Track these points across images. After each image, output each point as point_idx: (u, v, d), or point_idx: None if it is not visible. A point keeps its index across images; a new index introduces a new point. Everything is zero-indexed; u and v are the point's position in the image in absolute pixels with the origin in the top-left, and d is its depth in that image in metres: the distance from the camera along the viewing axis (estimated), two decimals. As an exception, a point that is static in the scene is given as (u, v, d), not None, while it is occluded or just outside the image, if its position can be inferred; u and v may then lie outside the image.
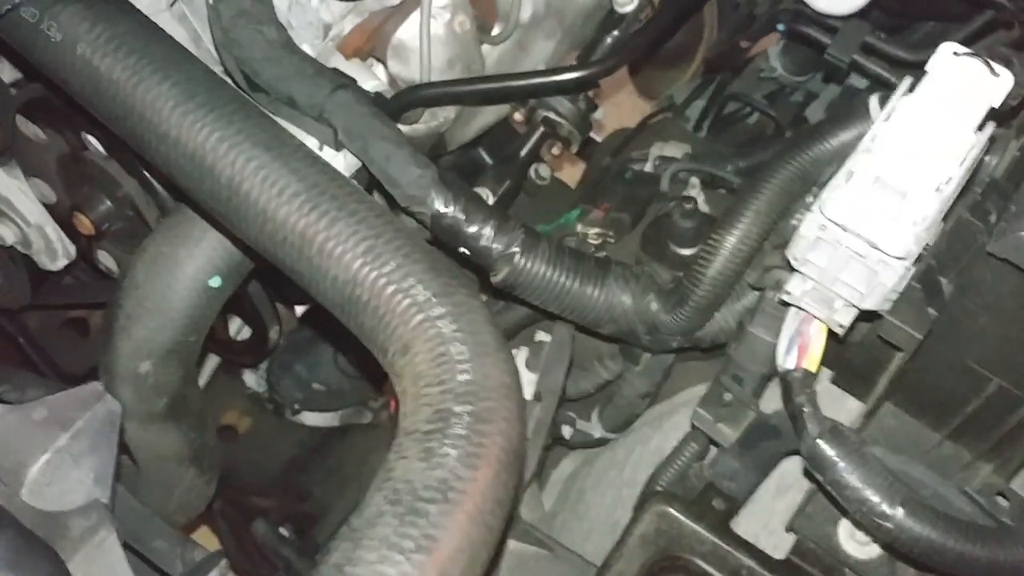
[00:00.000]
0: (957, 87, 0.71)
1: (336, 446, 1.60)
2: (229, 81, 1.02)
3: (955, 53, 0.73)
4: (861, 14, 1.16)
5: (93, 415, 0.71)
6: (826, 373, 0.99)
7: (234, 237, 0.95)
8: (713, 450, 0.99)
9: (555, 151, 1.43)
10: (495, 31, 1.32)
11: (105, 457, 0.72)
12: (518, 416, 0.66)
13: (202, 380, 1.59)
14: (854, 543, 0.90)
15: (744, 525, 0.98)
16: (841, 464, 0.76)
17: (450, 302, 0.68)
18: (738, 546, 0.91)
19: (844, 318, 0.77)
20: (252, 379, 1.72)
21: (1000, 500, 0.87)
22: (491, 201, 1.32)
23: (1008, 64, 0.74)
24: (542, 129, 1.38)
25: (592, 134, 1.75)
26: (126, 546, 0.76)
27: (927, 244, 0.76)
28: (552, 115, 1.36)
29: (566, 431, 1.23)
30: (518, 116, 1.40)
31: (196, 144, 0.74)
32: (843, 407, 0.97)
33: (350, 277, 0.70)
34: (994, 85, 0.71)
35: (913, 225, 0.69)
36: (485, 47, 1.33)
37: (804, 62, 1.54)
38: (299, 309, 1.60)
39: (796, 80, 1.56)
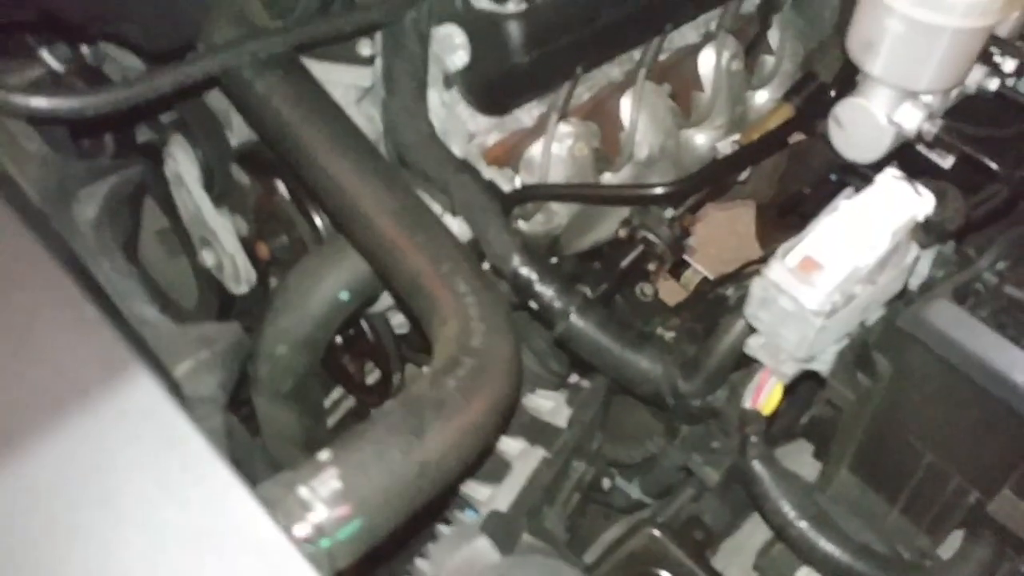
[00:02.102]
0: (887, 199, 0.93)
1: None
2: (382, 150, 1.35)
3: (894, 175, 0.96)
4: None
5: (229, 342, 1.01)
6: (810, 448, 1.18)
7: (365, 265, 1.27)
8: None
9: (651, 267, 1.69)
10: (615, 163, 1.61)
11: (230, 373, 1.01)
12: (510, 381, 0.91)
13: (336, 417, 1.90)
14: (809, 587, 1.07)
15: (723, 558, 1.15)
16: (766, 480, 0.95)
17: (481, 296, 0.95)
18: (707, 572, 1.10)
19: (788, 369, 0.98)
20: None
21: (926, 562, 1.03)
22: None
23: (941, 195, 0.96)
24: (641, 247, 1.65)
25: (705, 272, 2.01)
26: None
27: (865, 323, 0.97)
28: (650, 235, 1.63)
29: (606, 483, 1.44)
30: (622, 233, 1.68)
31: (336, 172, 1.06)
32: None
33: (417, 271, 0.98)
34: (917, 204, 0.93)
35: (828, 290, 0.90)
36: (606, 176, 1.62)
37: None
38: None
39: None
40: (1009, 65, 1.15)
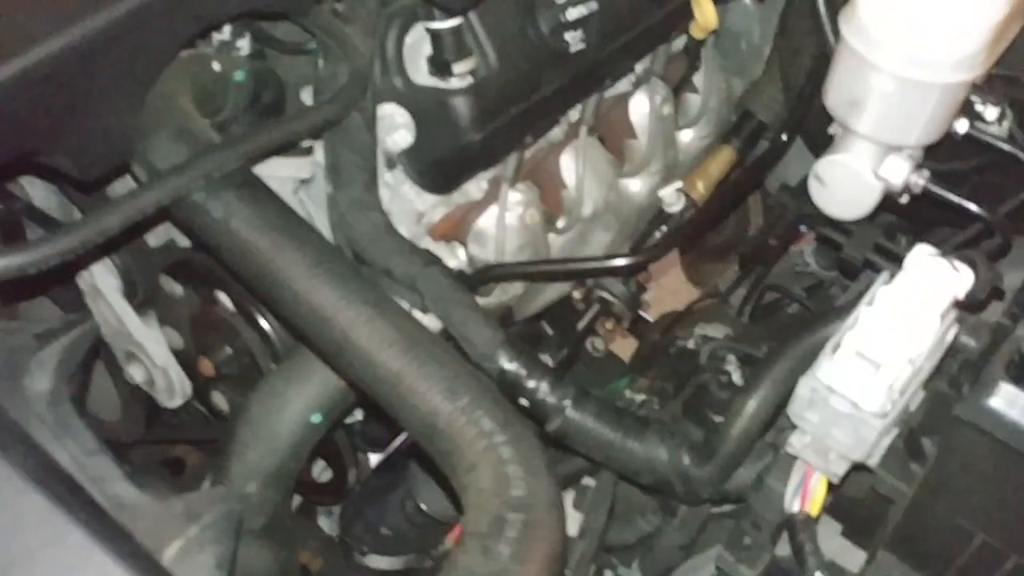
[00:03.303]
0: (926, 281, 0.89)
1: (398, 588, 1.73)
2: (341, 254, 1.23)
3: (927, 254, 0.91)
4: (878, 217, 1.36)
5: (219, 511, 0.88)
6: (837, 527, 1.13)
7: (335, 382, 1.15)
8: (735, 590, 1.12)
9: (608, 326, 1.62)
10: (560, 224, 1.53)
11: (225, 547, 0.88)
12: (560, 526, 0.82)
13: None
14: None
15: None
16: (835, 594, 0.90)
17: (510, 432, 0.86)
18: None
19: (838, 468, 0.92)
20: (326, 523, 1.88)
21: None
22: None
23: (972, 265, 0.92)
24: (597, 307, 1.58)
25: (645, 315, 1.95)
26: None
27: (908, 409, 0.92)
28: (606, 295, 1.56)
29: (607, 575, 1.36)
30: (577, 294, 1.60)
31: (319, 301, 0.94)
32: (852, 558, 1.10)
33: (431, 409, 0.88)
34: (956, 280, 0.89)
35: (888, 389, 0.85)
36: (551, 236, 1.54)
37: (835, 259, 1.73)
38: (373, 459, 1.78)
39: (829, 275, 1.75)
40: (991, 113, 1.13)
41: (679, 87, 1.71)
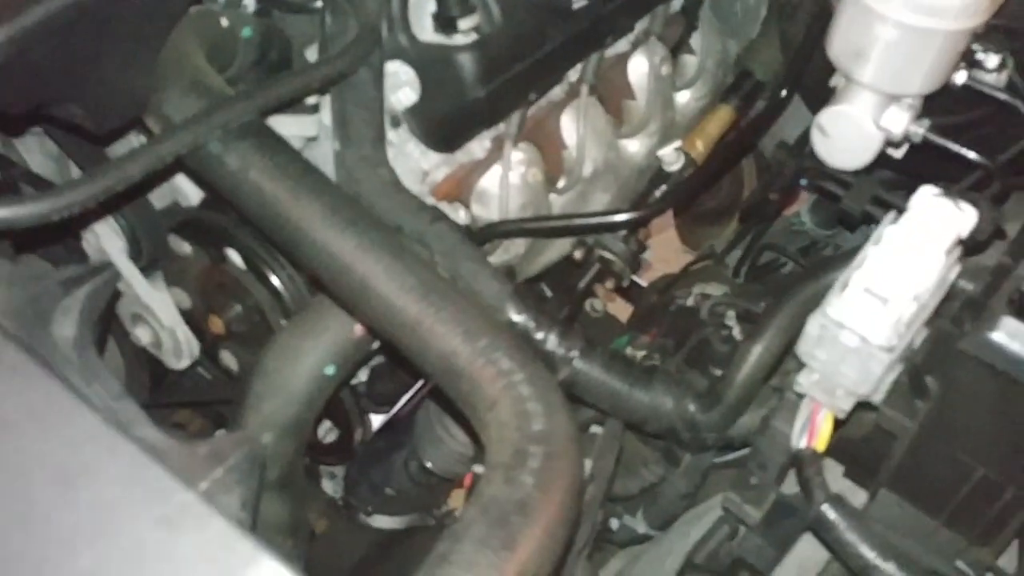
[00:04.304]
0: (931, 220, 0.91)
1: (403, 546, 1.76)
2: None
3: (932, 194, 0.93)
4: (874, 173, 1.38)
5: (243, 454, 0.90)
6: (839, 469, 1.16)
7: (348, 335, 1.17)
8: (742, 531, 1.15)
9: (608, 285, 1.64)
10: (560, 184, 1.55)
11: (250, 489, 0.90)
12: (578, 459, 0.84)
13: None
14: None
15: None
16: (842, 524, 0.92)
17: (528, 371, 0.88)
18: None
19: (845, 404, 0.95)
20: (329, 485, 1.90)
21: (989, 576, 1.02)
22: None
23: (975, 205, 0.94)
24: (598, 266, 1.60)
25: (639, 279, 1.98)
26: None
27: (911, 346, 0.95)
28: (607, 253, 1.58)
29: (614, 523, 1.39)
30: (577, 254, 1.62)
31: (339, 248, 0.96)
32: (853, 498, 1.13)
33: (451, 351, 0.90)
34: (960, 219, 0.91)
35: (894, 323, 0.87)
36: (552, 197, 1.56)
37: (831, 218, 1.76)
38: (376, 421, 1.80)
39: (824, 234, 1.77)
40: (992, 61, 1.15)
41: (676, 49, 1.73)
